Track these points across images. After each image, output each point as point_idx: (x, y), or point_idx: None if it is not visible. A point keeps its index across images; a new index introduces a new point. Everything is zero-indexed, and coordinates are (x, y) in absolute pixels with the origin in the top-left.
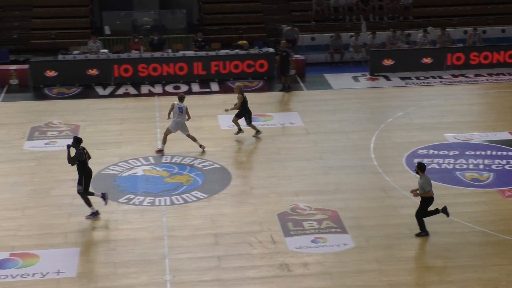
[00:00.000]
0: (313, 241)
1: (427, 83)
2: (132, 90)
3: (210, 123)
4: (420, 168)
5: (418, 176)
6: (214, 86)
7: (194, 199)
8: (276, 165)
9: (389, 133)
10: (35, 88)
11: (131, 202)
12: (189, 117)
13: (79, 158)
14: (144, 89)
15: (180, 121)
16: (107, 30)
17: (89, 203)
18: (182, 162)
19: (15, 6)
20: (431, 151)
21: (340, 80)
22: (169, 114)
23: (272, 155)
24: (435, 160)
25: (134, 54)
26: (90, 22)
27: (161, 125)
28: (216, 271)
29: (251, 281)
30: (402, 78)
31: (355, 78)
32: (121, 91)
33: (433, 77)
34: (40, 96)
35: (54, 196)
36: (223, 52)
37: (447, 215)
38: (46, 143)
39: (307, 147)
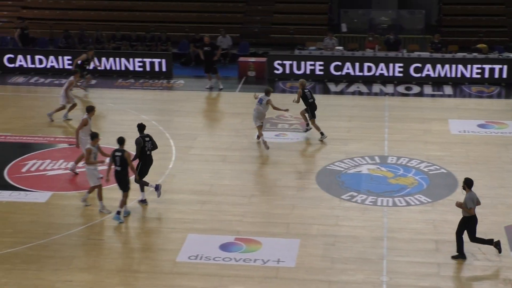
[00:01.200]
0: None
1: None
2: (363, 89)
3: (440, 127)
4: (467, 184)
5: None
6: (447, 89)
7: (417, 202)
8: (508, 175)
9: None
10: (270, 80)
11: (353, 200)
12: (276, 108)
13: (138, 144)
14: (375, 88)
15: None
16: (343, 27)
17: (142, 189)
18: (408, 164)
19: (259, 1)
20: None
21: None
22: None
23: (504, 165)
24: None
25: (368, 52)
26: (328, 19)
27: (389, 125)
28: (434, 278)
29: None
30: None
31: None
32: (352, 88)
33: None
34: (274, 88)
35: (279, 186)
36: (460, 55)
37: (499, 250)
38: (276, 135)
39: None
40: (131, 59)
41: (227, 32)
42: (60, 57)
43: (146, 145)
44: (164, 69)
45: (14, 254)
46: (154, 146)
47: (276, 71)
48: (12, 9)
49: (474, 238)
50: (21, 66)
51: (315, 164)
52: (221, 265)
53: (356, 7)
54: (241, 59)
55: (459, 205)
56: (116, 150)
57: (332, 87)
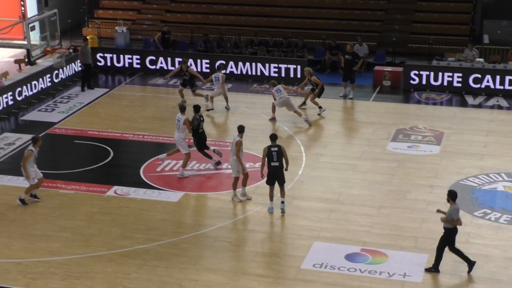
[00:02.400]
0: None
1: None
2: (503, 103)
3: None
4: (451, 196)
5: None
6: None
7: None
8: None
9: None
10: (405, 91)
11: (486, 217)
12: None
13: (193, 122)
14: None
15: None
16: (485, 38)
17: (209, 157)
18: None
19: (399, 10)
20: None
21: None
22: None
23: None
24: None
25: (511, 65)
26: (469, 30)
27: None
28: None
29: None
30: None
31: None
32: (491, 102)
33: None
34: (409, 99)
35: (409, 199)
36: None
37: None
38: (409, 146)
39: None
40: (266, 65)
41: (364, 40)
42: (198, 60)
43: (200, 123)
44: (298, 75)
45: (145, 250)
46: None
47: (412, 81)
48: (156, 12)
49: (454, 248)
50: (161, 68)
51: (447, 178)
52: (345, 275)
53: (500, 18)
54: (377, 68)
55: (445, 220)
56: (271, 146)
57: (469, 99)
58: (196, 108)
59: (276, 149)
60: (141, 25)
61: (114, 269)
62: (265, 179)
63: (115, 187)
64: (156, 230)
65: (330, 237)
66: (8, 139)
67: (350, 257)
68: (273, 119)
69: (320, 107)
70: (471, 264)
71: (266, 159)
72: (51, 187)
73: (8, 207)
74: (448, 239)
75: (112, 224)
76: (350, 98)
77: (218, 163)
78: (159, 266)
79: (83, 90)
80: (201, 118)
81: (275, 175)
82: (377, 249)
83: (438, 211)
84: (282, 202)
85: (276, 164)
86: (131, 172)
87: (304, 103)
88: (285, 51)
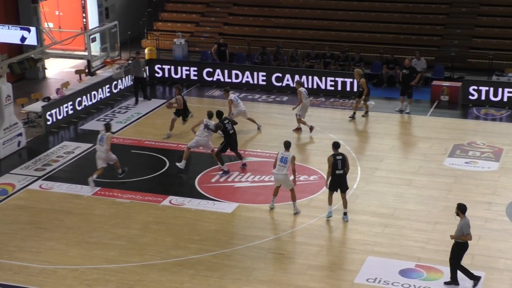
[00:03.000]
0: None
1: None
2: None
3: None
4: (461, 209)
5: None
6: None
7: None
8: None
9: None
10: (463, 106)
11: None
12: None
13: (218, 127)
14: None
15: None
16: None
17: (222, 163)
18: None
19: (458, 24)
20: None
21: None
22: None
23: None
24: None
25: None
26: None
27: None
28: None
29: None
30: None
31: None
32: None
33: None
34: (467, 114)
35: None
36: None
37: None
38: (466, 162)
39: None
40: (323, 78)
41: (422, 55)
42: (255, 73)
43: (226, 126)
44: (355, 88)
45: (198, 260)
46: (234, 123)
47: (470, 97)
48: (214, 25)
49: (459, 265)
50: (218, 80)
51: (506, 195)
52: None
53: None
54: (435, 82)
55: (455, 237)
56: (335, 155)
57: None
58: (219, 114)
59: (340, 157)
60: (199, 37)
61: (167, 278)
62: (320, 190)
63: (170, 197)
64: (210, 240)
65: (384, 252)
66: (67, 148)
67: (404, 273)
68: (299, 129)
69: (365, 111)
70: (476, 279)
71: (331, 168)
72: (108, 195)
73: (66, 215)
74: (458, 253)
75: (166, 233)
76: (407, 113)
77: (227, 172)
78: (212, 276)
79: (136, 103)
80: (226, 121)
81: (340, 182)
82: (432, 265)
83: (452, 237)
84: (345, 214)
85: (341, 172)
86: (186, 183)
87: (366, 112)
88: (342, 65)
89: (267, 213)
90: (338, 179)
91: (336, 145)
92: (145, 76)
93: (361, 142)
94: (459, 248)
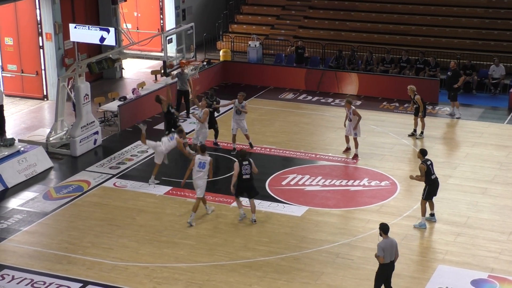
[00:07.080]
0: None
1: None
2: None
3: None
4: (383, 229)
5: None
6: None
7: None
8: None
9: None
10: None
11: None
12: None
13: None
14: None
15: None
16: None
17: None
18: None
19: None
20: None
21: None
22: None
23: None
24: None
25: None
26: None
27: None
28: None
29: None
30: None
31: None
32: None
33: None
34: None
35: None
36: None
37: None
38: None
39: None
40: (395, 82)
41: (500, 61)
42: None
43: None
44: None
45: (267, 262)
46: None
47: None
48: (289, 28)
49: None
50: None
51: None
52: None
53: None
54: None
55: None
56: (427, 160)
57: None
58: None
59: (430, 162)
60: (274, 40)
61: (236, 279)
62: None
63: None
64: (279, 243)
65: (456, 261)
66: (141, 147)
67: (476, 283)
68: (349, 149)
69: (421, 132)
70: None
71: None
72: (179, 195)
73: (138, 213)
74: (377, 274)
75: (236, 234)
76: (458, 118)
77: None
78: (280, 279)
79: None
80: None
81: (437, 188)
82: (506, 277)
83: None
84: (433, 215)
85: (435, 176)
86: (256, 185)
87: (422, 132)
88: (419, 68)
89: (337, 218)
90: (436, 185)
91: (423, 152)
92: (189, 89)
93: (434, 149)
94: (379, 268)
